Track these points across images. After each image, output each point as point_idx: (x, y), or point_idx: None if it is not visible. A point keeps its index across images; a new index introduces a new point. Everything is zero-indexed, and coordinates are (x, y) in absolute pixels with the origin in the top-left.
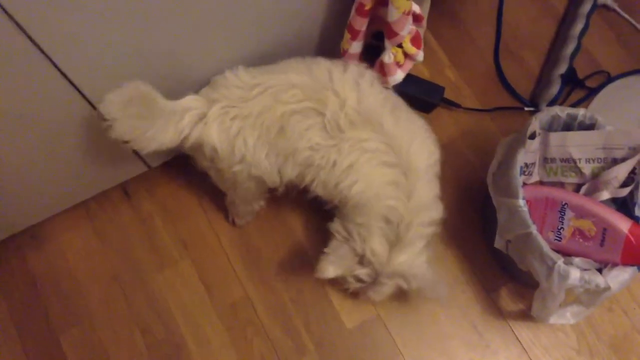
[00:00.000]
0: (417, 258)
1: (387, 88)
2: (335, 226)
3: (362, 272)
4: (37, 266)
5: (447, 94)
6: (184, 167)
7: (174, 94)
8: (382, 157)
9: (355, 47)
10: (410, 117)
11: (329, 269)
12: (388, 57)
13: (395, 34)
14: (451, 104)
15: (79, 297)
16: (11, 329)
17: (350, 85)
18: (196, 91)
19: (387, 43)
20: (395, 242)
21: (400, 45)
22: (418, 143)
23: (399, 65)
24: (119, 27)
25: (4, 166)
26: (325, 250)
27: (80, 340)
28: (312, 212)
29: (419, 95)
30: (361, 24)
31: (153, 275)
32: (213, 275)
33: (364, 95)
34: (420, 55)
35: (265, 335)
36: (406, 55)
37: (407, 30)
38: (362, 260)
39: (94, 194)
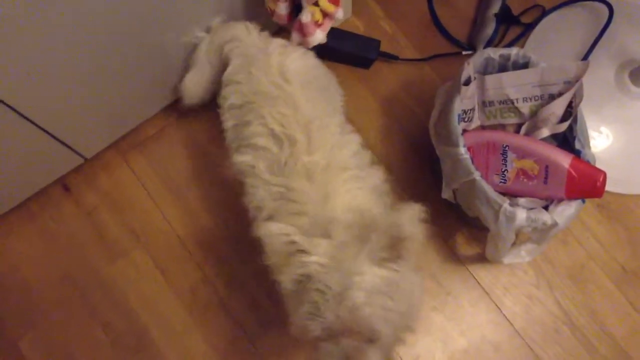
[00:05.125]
0: None
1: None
2: None
3: None
4: None
5: (385, 47)
6: (122, 155)
7: None
8: None
9: (282, 7)
10: None
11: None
12: (305, 16)
13: None
14: (389, 57)
15: (31, 301)
16: None
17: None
18: None
19: (303, 1)
20: None
21: (316, 4)
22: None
23: (317, 24)
24: None
25: None
26: None
27: (39, 344)
28: None
29: (355, 51)
30: None
31: (106, 268)
32: (168, 260)
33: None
34: (339, 13)
35: (228, 313)
36: (325, 14)
37: None
38: None
39: (32, 193)
